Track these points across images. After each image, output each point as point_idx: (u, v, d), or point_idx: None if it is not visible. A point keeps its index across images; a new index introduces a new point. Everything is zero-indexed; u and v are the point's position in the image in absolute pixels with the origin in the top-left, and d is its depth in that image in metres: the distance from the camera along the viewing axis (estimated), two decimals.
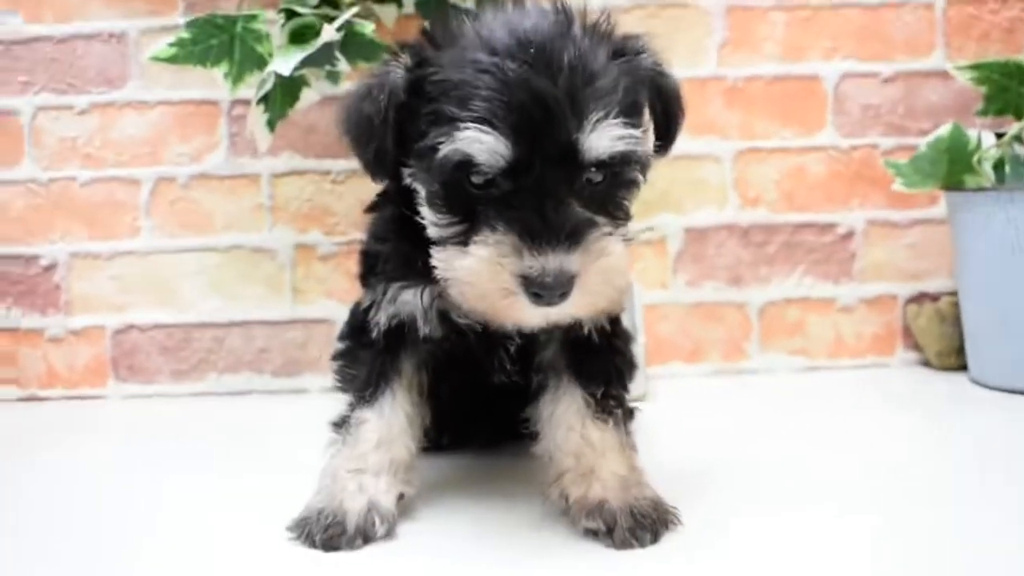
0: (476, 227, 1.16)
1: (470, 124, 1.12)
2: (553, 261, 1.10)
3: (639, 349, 2.03)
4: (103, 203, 2.34)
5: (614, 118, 1.16)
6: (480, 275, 1.14)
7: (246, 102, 2.26)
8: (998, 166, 2.10)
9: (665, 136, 1.34)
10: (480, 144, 1.12)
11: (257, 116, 2.07)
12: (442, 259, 1.21)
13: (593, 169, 1.17)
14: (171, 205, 2.33)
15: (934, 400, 2.07)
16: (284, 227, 2.33)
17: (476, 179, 1.16)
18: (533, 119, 1.12)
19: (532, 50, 1.15)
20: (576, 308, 1.16)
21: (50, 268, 2.34)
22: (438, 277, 1.22)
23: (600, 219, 1.17)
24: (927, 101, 2.34)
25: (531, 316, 1.15)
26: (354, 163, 2.21)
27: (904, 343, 2.37)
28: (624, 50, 1.27)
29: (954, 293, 2.29)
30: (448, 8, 2.09)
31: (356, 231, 2.31)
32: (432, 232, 1.23)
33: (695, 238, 2.34)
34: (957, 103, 2.33)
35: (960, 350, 2.25)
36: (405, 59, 1.24)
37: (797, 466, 1.59)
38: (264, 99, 2.05)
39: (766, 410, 2.04)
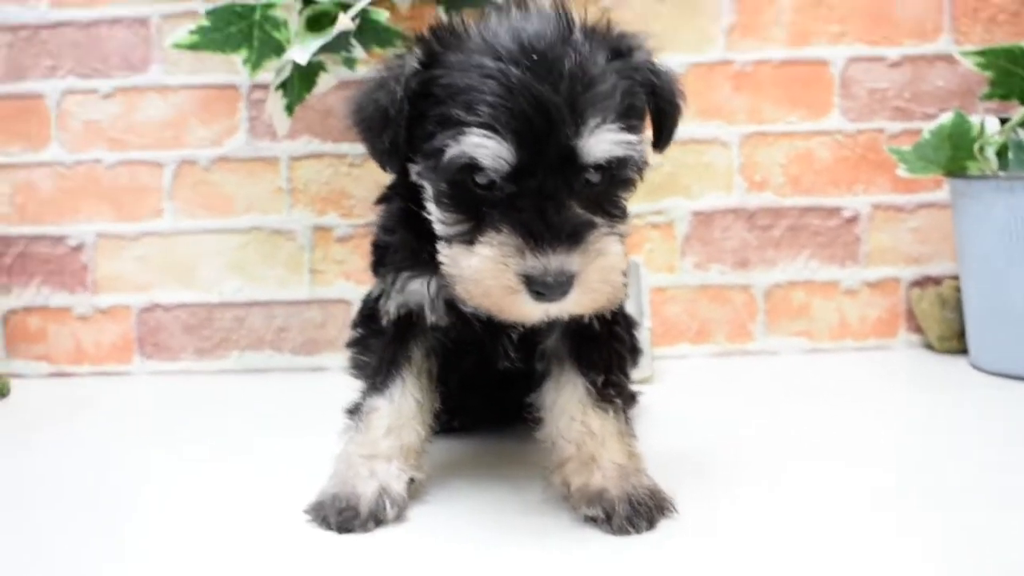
0: (481, 227, 1.22)
1: (475, 129, 1.18)
2: (554, 261, 1.17)
3: (645, 333, 2.09)
4: (127, 185, 2.41)
5: (611, 123, 1.21)
6: (485, 274, 1.20)
7: (265, 86, 2.32)
8: (1001, 152, 2.13)
9: (661, 133, 1.38)
10: (485, 149, 1.17)
11: (276, 101, 2.14)
12: (448, 256, 1.27)
13: (591, 171, 1.23)
14: (193, 188, 2.40)
15: (934, 383, 2.12)
16: (302, 209, 2.40)
17: (481, 180, 1.21)
18: (535, 125, 1.17)
19: (535, 56, 1.20)
20: (575, 305, 1.22)
21: (78, 248, 2.42)
22: (443, 272, 1.29)
23: (598, 219, 1.23)
24: (933, 85, 2.36)
25: (532, 312, 1.22)
26: None
27: (907, 326, 2.42)
28: (621, 50, 1.31)
29: (956, 277, 2.33)
30: None
31: (372, 214, 2.37)
32: (438, 229, 1.29)
33: (702, 221, 2.39)
34: (963, 87, 2.35)
35: (961, 334, 2.29)
36: (418, 53, 1.29)
37: (797, 449, 1.66)
38: (283, 85, 2.11)
39: (770, 392, 2.10)
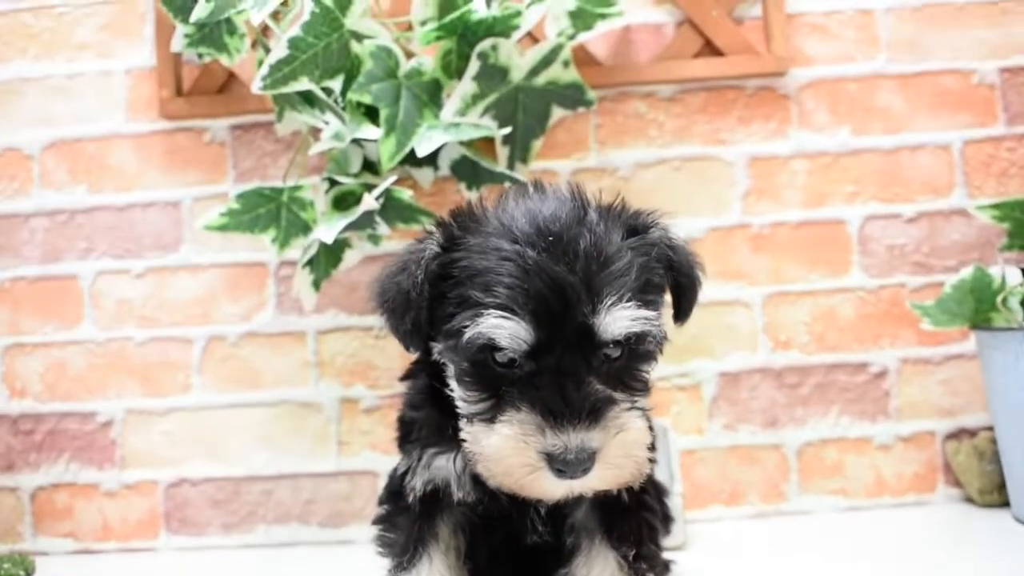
0: (501, 405, 1.23)
1: (493, 310, 1.21)
2: (575, 439, 1.18)
3: (676, 499, 2.05)
4: (157, 361, 2.44)
5: (628, 301, 1.24)
6: (505, 452, 1.21)
7: (292, 262, 2.38)
8: None
9: (680, 306, 1.40)
10: (502, 329, 1.20)
11: (303, 278, 2.19)
12: (470, 433, 1.28)
13: (610, 347, 1.24)
14: (222, 362, 2.43)
15: (978, 538, 2.05)
16: (330, 381, 2.41)
17: (500, 359, 1.23)
18: (551, 305, 1.20)
19: (551, 238, 1.24)
20: (598, 481, 1.22)
21: (106, 424, 2.44)
22: (465, 450, 1.29)
23: (619, 394, 1.25)
24: (950, 239, 2.39)
25: (555, 489, 1.22)
26: None
27: (945, 480, 2.36)
28: (636, 228, 1.35)
29: (991, 428, 2.29)
30: (481, 170, 2.21)
31: (398, 384, 2.38)
32: (461, 407, 1.30)
33: (729, 382, 2.38)
34: (980, 239, 2.37)
35: (1002, 486, 2.24)
36: (438, 237, 1.33)
37: None
38: (309, 262, 2.17)
39: (807, 553, 2.04)
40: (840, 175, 2.40)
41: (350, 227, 2.04)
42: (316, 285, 2.21)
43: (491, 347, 1.22)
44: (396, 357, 2.39)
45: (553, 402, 1.19)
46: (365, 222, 2.08)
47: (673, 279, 1.38)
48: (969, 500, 2.33)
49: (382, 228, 2.14)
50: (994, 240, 2.33)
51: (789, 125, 2.41)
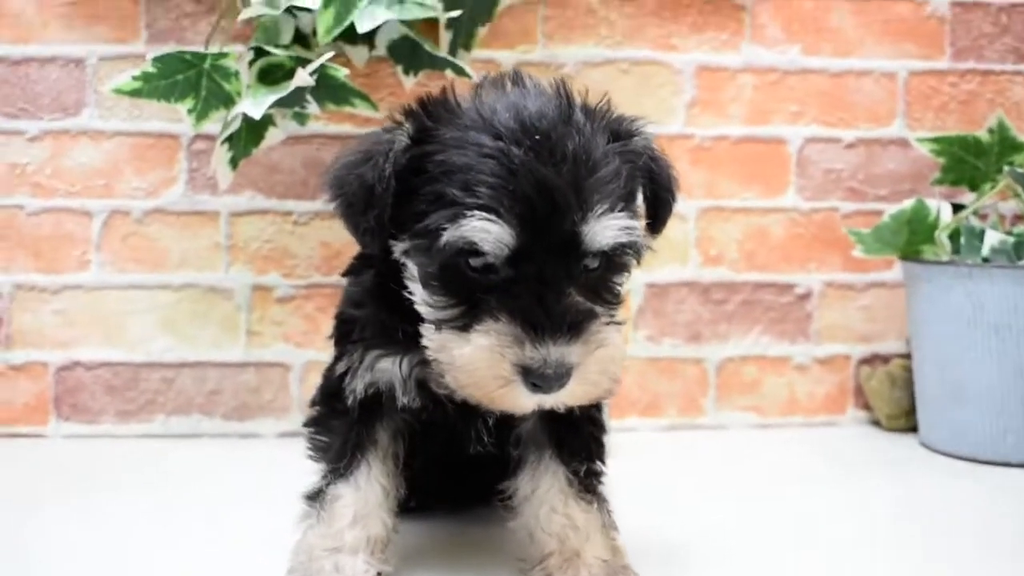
0: (475, 313, 1.15)
1: (476, 211, 1.11)
2: (555, 353, 1.11)
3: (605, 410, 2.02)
4: (51, 234, 2.25)
5: (617, 211, 1.17)
6: (479, 363, 1.13)
7: (207, 136, 2.21)
8: (953, 236, 2.16)
9: (655, 219, 1.34)
10: (487, 233, 1.11)
11: (221, 154, 2.03)
12: (435, 341, 1.19)
13: (591, 257, 1.18)
14: (123, 240, 2.26)
15: (883, 461, 2.12)
16: (241, 267, 2.27)
17: (475, 263, 1.15)
18: (537, 210, 1.12)
19: (537, 136, 1.15)
20: (570, 396, 1.16)
21: None
22: (428, 357, 1.21)
23: (597, 307, 1.18)
24: (886, 168, 2.40)
25: (526, 403, 1.16)
26: (316, 205, 2.23)
27: (855, 403, 2.42)
28: (620, 133, 1.28)
29: (905, 355, 2.35)
30: (422, 53, 2.08)
31: (317, 274, 2.28)
32: (424, 312, 1.21)
33: (656, 294, 2.36)
34: (913, 171, 2.39)
35: (909, 412, 2.31)
36: (408, 128, 1.22)
37: (752, 529, 1.65)
38: (229, 138, 2.01)
39: (721, 468, 2.07)
40: (786, 94, 2.37)
41: (278, 103, 1.90)
42: (234, 163, 2.06)
43: (469, 251, 1.13)
44: (317, 246, 2.27)
45: (533, 313, 1.12)
46: (295, 99, 1.94)
47: (653, 191, 1.32)
48: (876, 424, 2.40)
49: (311, 107, 1.99)
50: (926, 173, 2.35)
51: (741, 38, 2.35)
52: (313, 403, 1.47)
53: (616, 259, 1.21)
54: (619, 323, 1.22)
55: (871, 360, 2.42)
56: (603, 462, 1.43)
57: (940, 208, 2.14)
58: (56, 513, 1.69)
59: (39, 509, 1.71)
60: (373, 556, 1.32)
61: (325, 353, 1.49)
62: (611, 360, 1.17)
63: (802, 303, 2.39)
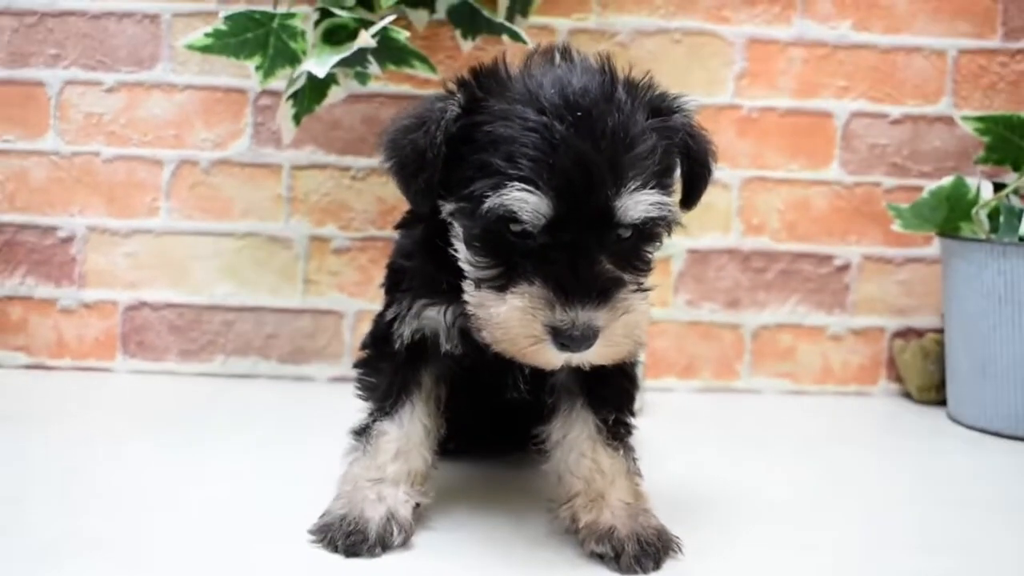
0: (512, 275, 1.24)
1: (516, 183, 1.19)
2: (583, 316, 1.19)
3: (640, 368, 2.11)
4: (124, 181, 2.38)
5: (650, 187, 1.24)
6: (513, 322, 1.22)
7: (273, 92, 2.31)
8: (993, 215, 2.19)
9: (689, 193, 1.41)
10: (525, 203, 1.19)
11: (285, 110, 2.13)
12: (475, 298, 1.28)
13: (624, 228, 1.25)
14: (191, 188, 2.38)
15: (911, 432, 2.17)
16: (301, 218, 2.39)
17: (515, 229, 1.23)
18: (574, 183, 1.20)
19: (579, 113, 1.22)
20: (597, 356, 1.24)
21: (67, 240, 2.39)
22: (468, 312, 1.30)
23: (626, 275, 1.26)
24: (931, 145, 2.42)
25: (554, 360, 1.24)
26: (373, 162, 2.32)
27: (887, 375, 2.47)
28: (660, 109, 1.33)
29: (938, 330, 2.39)
30: (480, 18, 2.15)
31: (372, 228, 2.38)
32: (467, 270, 1.30)
33: (697, 260, 2.42)
34: (958, 149, 2.41)
35: (940, 386, 2.35)
36: (460, 98, 1.30)
37: (776, 488, 1.71)
38: (294, 95, 2.11)
39: (754, 431, 2.14)
40: (835, 68, 2.40)
41: (341, 63, 1.98)
42: (297, 119, 2.15)
43: (509, 218, 1.22)
44: (373, 201, 2.37)
45: (565, 278, 1.20)
46: (357, 59, 2.02)
47: (688, 167, 1.38)
48: (907, 396, 2.45)
49: (373, 68, 2.08)
50: (971, 152, 2.37)
51: (793, 11, 2.39)
52: (363, 346, 1.57)
53: (647, 231, 1.29)
54: (647, 289, 1.30)
55: (905, 334, 2.46)
56: (632, 413, 1.52)
57: (980, 186, 2.17)
58: (121, 444, 1.82)
59: (107, 439, 1.84)
60: (413, 488, 1.42)
61: (376, 303, 1.58)
62: (636, 324, 1.25)
63: (840, 275, 2.44)
